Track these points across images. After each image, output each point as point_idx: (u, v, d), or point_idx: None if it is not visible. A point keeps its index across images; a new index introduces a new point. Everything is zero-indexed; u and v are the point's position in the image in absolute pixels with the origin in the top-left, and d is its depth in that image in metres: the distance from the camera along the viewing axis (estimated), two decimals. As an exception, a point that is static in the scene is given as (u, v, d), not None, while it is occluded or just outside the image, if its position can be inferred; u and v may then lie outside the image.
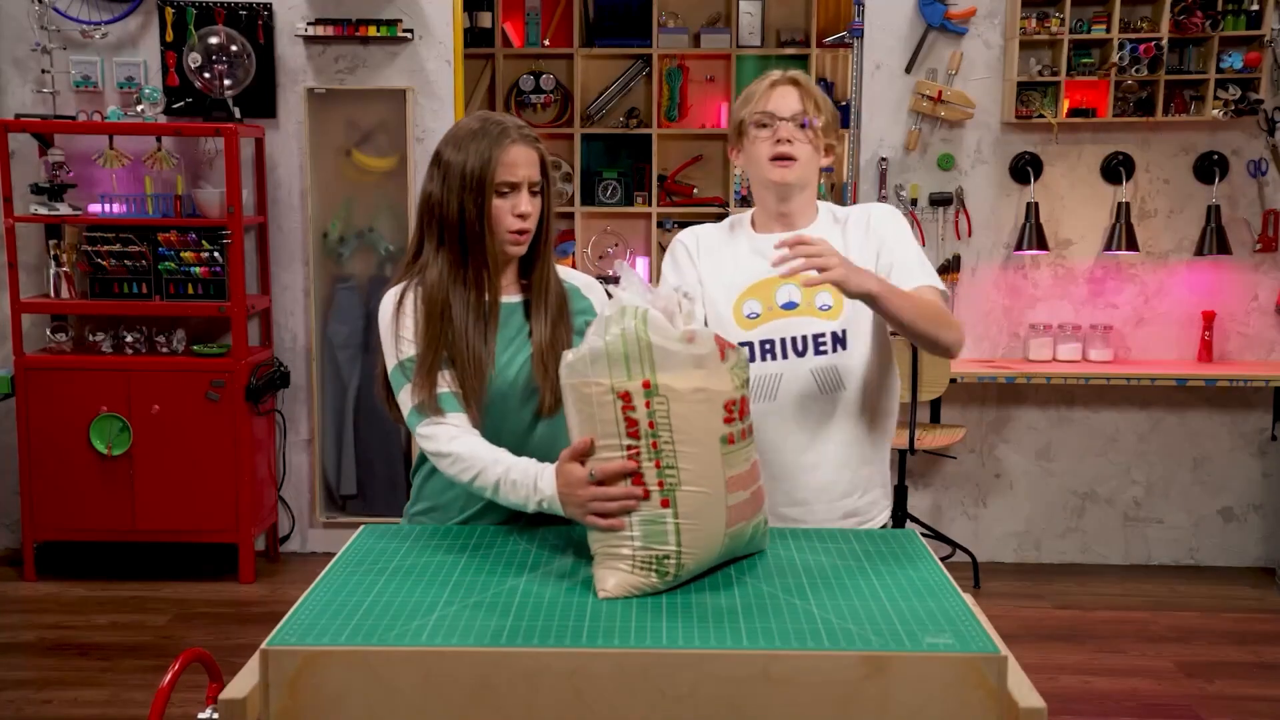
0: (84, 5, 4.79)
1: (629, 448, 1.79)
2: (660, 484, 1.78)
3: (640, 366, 1.77)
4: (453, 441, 2.07)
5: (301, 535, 5.12)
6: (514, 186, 2.12)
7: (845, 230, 2.34)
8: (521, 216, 2.12)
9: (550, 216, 2.21)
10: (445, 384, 2.11)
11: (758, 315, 2.30)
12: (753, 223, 2.40)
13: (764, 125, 2.29)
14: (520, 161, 2.12)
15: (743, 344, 2.28)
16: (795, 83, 2.30)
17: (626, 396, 1.78)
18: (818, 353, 2.29)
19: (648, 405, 1.77)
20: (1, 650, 4.07)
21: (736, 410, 1.83)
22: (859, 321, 2.30)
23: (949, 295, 2.40)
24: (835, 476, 2.33)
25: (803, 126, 2.27)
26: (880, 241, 2.31)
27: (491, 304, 2.16)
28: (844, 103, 5.51)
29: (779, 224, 2.35)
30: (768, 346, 2.30)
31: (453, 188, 2.12)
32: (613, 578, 1.80)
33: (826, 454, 2.32)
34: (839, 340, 2.29)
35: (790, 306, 2.29)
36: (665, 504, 1.78)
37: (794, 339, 2.29)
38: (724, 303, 2.33)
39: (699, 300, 2.34)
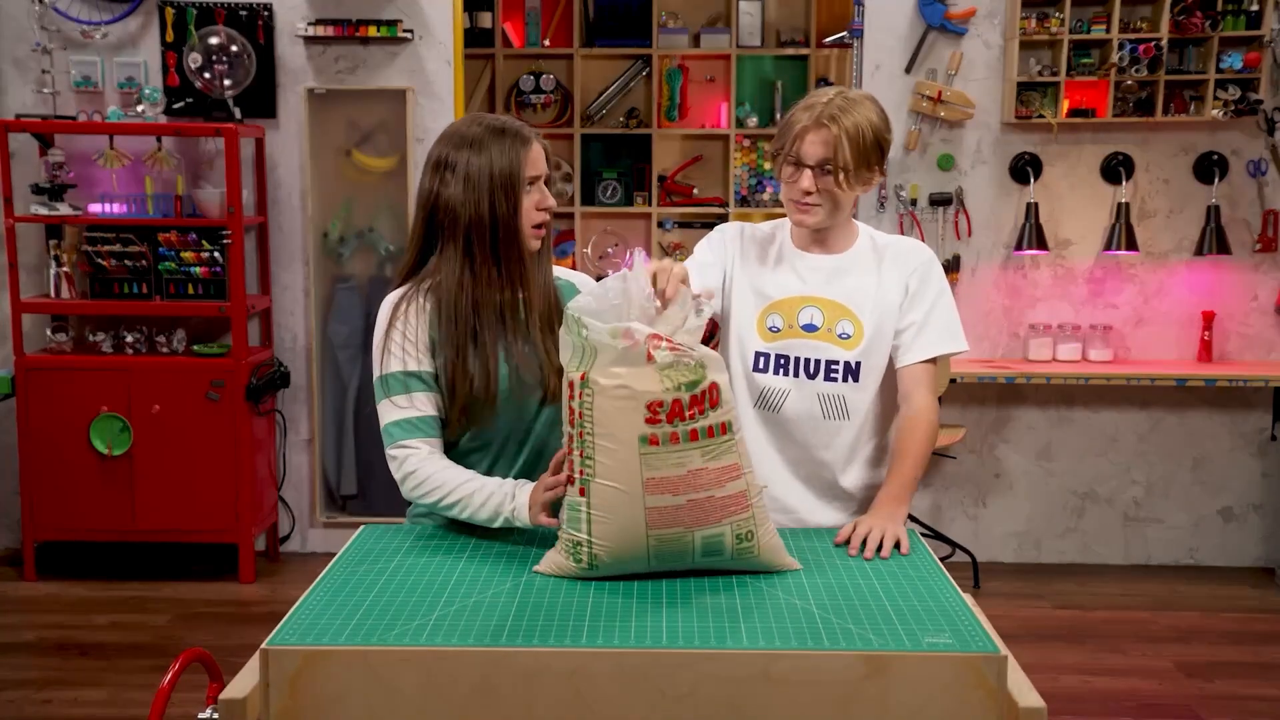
0: (84, 5, 4.79)
1: (569, 435, 1.88)
2: (580, 473, 1.86)
3: (582, 359, 1.84)
4: (420, 465, 2.12)
5: (301, 535, 5.12)
6: (536, 182, 2.20)
7: (882, 261, 2.35)
8: (546, 210, 2.21)
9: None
10: (429, 406, 2.15)
11: (779, 330, 2.33)
12: (791, 234, 2.40)
13: (793, 165, 2.28)
14: (540, 157, 2.21)
15: (759, 354, 2.32)
16: (827, 128, 2.21)
17: (571, 386, 1.85)
18: (828, 378, 2.31)
19: (581, 396, 1.84)
20: (1, 650, 4.07)
21: (664, 413, 1.80)
22: (875, 357, 2.32)
23: (961, 352, 2.40)
24: (821, 498, 2.37)
25: (826, 174, 2.24)
26: (909, 294, 2.32)
27: (528, 300, 2.20)
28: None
29: (816, 245, 2.37)
30: (781, 361, 2.32)
31: (481, 188, 2.15)
32: (549, 556, 1.92)
33: (818, 476, 2.36)
34: (851, 371, 2.31)
35: (811, 329, 2.32)
36: (582, 492, 1.86)
37: (807, 360, 2.31)
38: (750, 309, 2.35)
39: (717, 289, 2.36)
